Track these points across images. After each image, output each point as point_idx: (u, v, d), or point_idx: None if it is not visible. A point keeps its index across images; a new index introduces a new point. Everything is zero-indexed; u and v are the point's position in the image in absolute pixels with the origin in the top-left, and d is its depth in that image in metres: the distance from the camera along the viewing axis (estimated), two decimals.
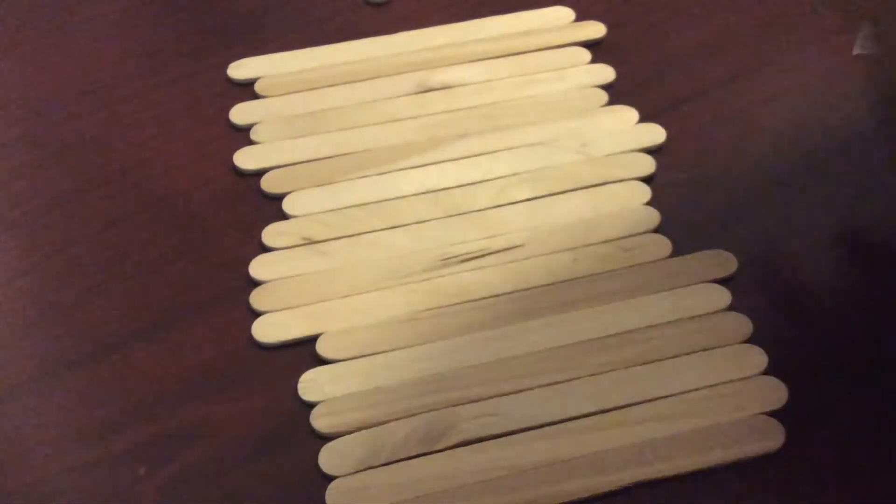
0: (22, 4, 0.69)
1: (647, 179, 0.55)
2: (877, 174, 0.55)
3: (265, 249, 0.52)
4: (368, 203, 0.54)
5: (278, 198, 0.55)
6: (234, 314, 0.50)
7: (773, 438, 0.44)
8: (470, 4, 0.67)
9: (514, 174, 0.55)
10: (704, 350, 0.47)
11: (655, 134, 0.58)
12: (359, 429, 0.45)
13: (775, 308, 0.49)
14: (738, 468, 0.43)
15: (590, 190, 0.55)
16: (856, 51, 0.43)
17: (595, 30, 0.65)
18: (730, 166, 0.56)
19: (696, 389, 0.46)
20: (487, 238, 0.52)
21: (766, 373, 0.46)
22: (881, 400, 0.46)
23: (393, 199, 0.54)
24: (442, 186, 0.55)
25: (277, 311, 0.49)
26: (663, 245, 0.52)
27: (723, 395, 0.45)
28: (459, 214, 0.54)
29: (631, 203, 0.54)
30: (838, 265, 0.52)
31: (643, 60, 0.63)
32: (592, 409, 0.45)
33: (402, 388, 0.46)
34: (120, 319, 0.50)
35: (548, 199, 0.54)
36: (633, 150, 0.57)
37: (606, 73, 0.62)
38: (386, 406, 0.45)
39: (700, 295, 0.49)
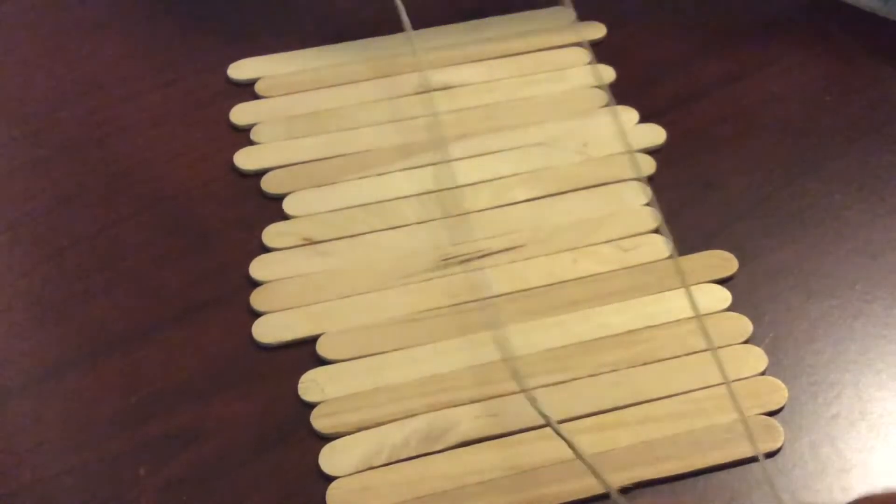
0: (22, 4, 0.69)
1: (647, 179, 0.55)
2: (877, 174, 0.56)
3: (265, 250, 0.52)
4: (369, 203, 0.54)
5: (278, 198, 0.55)
6: (234, 314, 0.49)
7: (773, 438, 0.44)
8: (470, 4, 0.67)
9: (515, 174, 0.55)
10: (704, 350, 0.47)
11: (655, 134, 0.58)
12: (359, 429, 0.45)
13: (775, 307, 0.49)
14: (738, 468, 0.43)
15: (590, 190, 0.55)
16: None
17: (595, 30, 0.65)
18: (730, 166, 0.56)
19: (696, 390, 0.46)
20: (487, 238, 0.52)
21: (765, 373, 0.46)
22: (879, 398, 0.46)
23: (393, 199, 0.54)
24: (442, 186, 0.55)
25: (277, 311, 0.49)
26: (663, 245, 0.52)
27: (723, 395, 0.45)
28: (459, 214, 0.54)
29: (631, 203, 0.54)
30: (837, 264, 0.52)
31: (643, 60, 0.63)
32: (592, 410, 0.45)
33: (402, 388, 0.46)
34: (120, 319, 0.50)
35: (548, 199, 0.54)
36: (633, 151, 0.57)
37: (606, 73, 0.62)
38: (386, 406, 0.45)
39: (700, 295, 0.49)
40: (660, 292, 0.50)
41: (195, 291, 0.51)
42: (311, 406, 0.46)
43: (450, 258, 0.51)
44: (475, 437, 0.44)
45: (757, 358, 0.47)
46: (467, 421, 0.45)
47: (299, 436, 0.45)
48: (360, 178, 0.56)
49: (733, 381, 0.46)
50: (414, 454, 0.44)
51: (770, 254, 0.52)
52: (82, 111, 0.61)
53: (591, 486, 0.42)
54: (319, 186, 0.55)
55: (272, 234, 0.53)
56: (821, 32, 0.64)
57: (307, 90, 0.61)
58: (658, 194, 0.54)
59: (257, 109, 0.60)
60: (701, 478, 0.43)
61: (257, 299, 0.50)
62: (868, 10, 0.65)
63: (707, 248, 0.51)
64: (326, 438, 0.44)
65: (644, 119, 0.59)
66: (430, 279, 0.50)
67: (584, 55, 0.63)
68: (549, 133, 0.58)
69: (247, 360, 0.48)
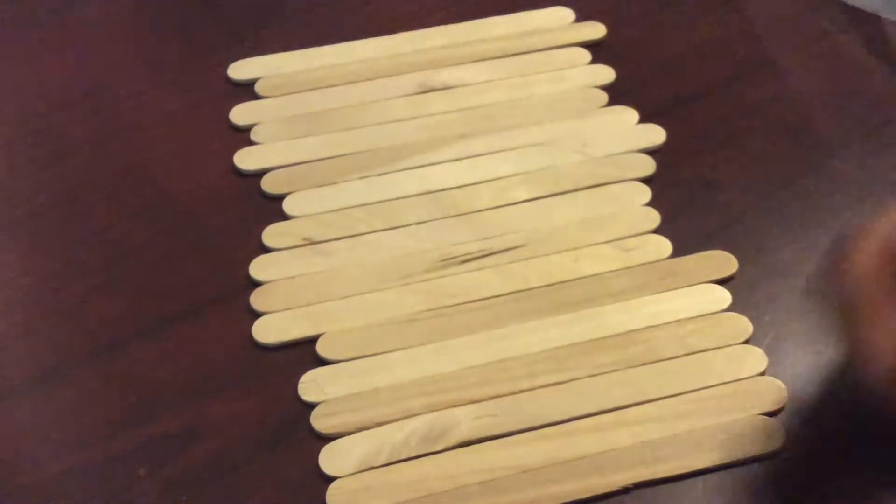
0: (23, 4, 0.69)
1: (647, 179, 0.55)
2: (877, 174, 0.56)
3: (265, 250, 0.52)
4: (369, 203, 0.54)
5: (279, 198, 0.55)
6: (234, 314, 0.49)
7: (773, 438, 0.44)
8: (470, 4, 0.67)
9: (515, 174, 0.55)
10: (704, 350, 0.47)
11: (655, 134, 0.58)
12: (359, 429, 0.45)
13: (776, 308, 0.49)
14: (738, 468, 0.43)
15: (590, 190, 0.55)
16: None
17: (595, 30, 0.65)
18: (730, 166, 0.56)
19: (696, 390, 0.46)
20: (487, 238, 0.52)
21: (765, 373, 0.46)
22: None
23: (393, 199, 0.54)
24: (442, 187, 0.55)
25: (277, 311, 0.49)
26: (663, 245, 0.52)
27: (723, 395, 0.45)
28: (460, 215, 0.54)
29: (631, 203, 0.54)
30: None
31: (643, 60, 0.63)
32: (592, 410, 0.45)
33: (402, 388, 0.46)
34: (120, 319, 0.50)
35: (548, 199, 0.54)
36: (633, 151, 0.57)
37: (606, 73, 0.62)
38: (386, 406, 0.45)
39: (700, 295, 0.49)
40: (660, 292, 0.50)
41: (195, 291, 0.51)
42: (311, 406, 0.46)
43: (450, 258, 0.51)
44: (475, 437, 0.44)
45: (757, 358, 0.47)
46: (467, 421, 0.45)
47: (299, 436, 0.45)
48: (360, 178, 0.56)
49: (733, 381, 0.46)
50: (414, 454, 0.44)
51: (770, 254, 0.52)
52: (83, 111, 0.61)
53: (591, 486, 0.42)
54: (319, 186, 0.55)
55: (272, 234, 0.53)
56: (821, 32, 0.64)
57: (307, 90, 0.61)
58: (658, 194, 0.54)
59: (257, 109, 0.60)
60: (701, 478, 0.43)
61: (257, 299, 0.50)
62: (868, 10, 0.65)
63: (707, 248, 0.51)
64: (326, 438, 0.44)
65: (644, 119, 0.59)
66: (430, 279, 0.50)
67: (585, 55, 0.63)
68: (549, 133, 0.58)
69: (247, 360, 0.48)
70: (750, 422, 0.44)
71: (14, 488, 0.44)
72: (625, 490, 0.43)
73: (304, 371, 0.47)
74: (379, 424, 0.45)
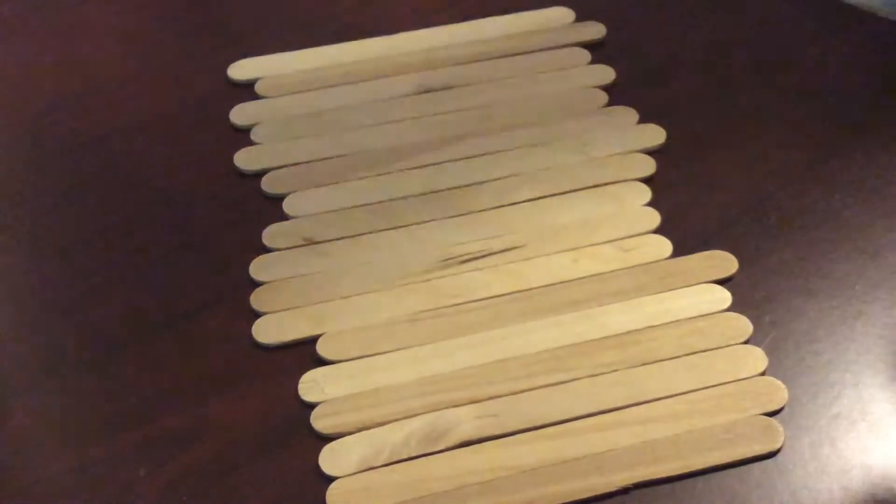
0: (23, 4, 0.69)
1: (647, 179, 0.55)
2: (877, 174, 0.56)
3: (265, 250, 0.52)
4: (369, 204, 0.54)
5: (279, 198, 0.55)
6: (234, 314, 0.49)
7: (773, 438, 0.44)
8: (470, 4, 0.67)
9: (515, 174, 0.55)
10: (704, 351, 0.47)
11: (655, 134, 0.58)
12: (359, 429, 0.45)
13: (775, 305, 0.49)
14: (738, 468, 0.43)
15: (590, 190, 0.55)
16: None
17: (595, 30, 0.65)
18: (730, 166, 0.56)
19: (696, 390, 0.46)
20: (488, 239, 0.52)
21: (765, 373, 0.46)
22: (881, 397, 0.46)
23: (393, 199, 0.54)
24: (442, 187, 0.55)
25: (278, 311, 0.49)
26: (663, 245, 0.52)
27: (723, 395, 0.45)
28: (460, 215, 0.54)
29: (631, 203, 0.54)
30: (837, 264, 0.52)
31: (643, 60, 0.63)
32: (592, 410, 0.45)
33: (402, 389, 0.46)
34: (120, 320, 0.50)
35: (548, 199, 0.54)
36: (633, 151, 0.57)
37: (606, 73, 0.62)
38: (386, 406, 0.45)
39: (700, 295, 0.49)
40: (660, 292, 0.50)
41: (195, 291, 0.51)
42: (311, 406, 0.46)
43: (450, 259, 0.51)
44: (475, 438, 0.44)
45: (757, 358, 0.47)
46: (467, 421, 0.45)
47: (299, 436, 0.45)
48: (360, 178, 0.56)
49: (733, 381, 0.46)
50: (414, 454, 0.44)
51: (770, 254, 0.52)
52: (82, 111, 0.61)
53: (591, 486, 0.42)
54: (319, 186, 0.55)
55: (272, 234, 0.53)
56: (821, 33, 0.64)
57: (307, 90, 0.61)
58: (658, 194, 0.54)
59: (257, 109, 0.60)
60: (701, 478, 0.43)
61: (257, 299, 0.50)
62: (868, 10, 0.65)
63: (707, 248, 0.51)
64: (327, 439, 0.44)
65: (644, 119, 0.59)
66: (431, 279, 0.50)
67: (585, 55, 0.63)
68: (549, 133, 0.58)
69: (247, 360, 0.48)
70: (750, 422, 0.44)
71: (14, 488, 0.44)
72: (625, 490, 0.43)
73: (304, 371, 0.47)
74: (379, 424, 0.45)
